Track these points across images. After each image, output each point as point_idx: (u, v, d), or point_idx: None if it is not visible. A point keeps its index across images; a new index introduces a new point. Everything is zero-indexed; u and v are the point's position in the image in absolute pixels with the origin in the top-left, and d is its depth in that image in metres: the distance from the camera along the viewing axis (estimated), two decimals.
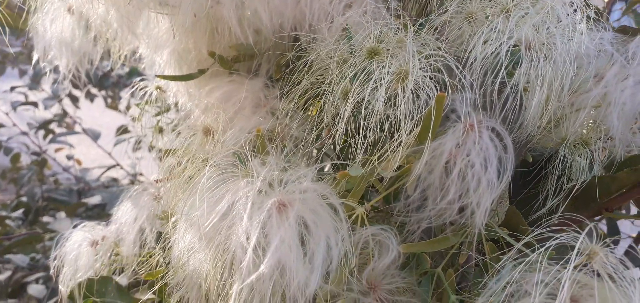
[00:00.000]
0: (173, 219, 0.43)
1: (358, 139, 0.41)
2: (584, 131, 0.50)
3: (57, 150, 2.11)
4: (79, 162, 2.04)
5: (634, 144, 0.48)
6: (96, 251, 0.63)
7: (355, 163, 0.42)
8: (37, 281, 1.62)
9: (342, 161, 0.42)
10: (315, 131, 0.47)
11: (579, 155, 0.48)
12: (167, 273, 0.56)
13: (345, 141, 0.42)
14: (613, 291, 0.34)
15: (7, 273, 1.68)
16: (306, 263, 0.36)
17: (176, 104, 0.71)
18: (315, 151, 0.48)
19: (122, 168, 1.67)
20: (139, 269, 0.61)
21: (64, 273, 0.61)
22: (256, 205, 0.35)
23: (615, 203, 0.46)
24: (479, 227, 0.40)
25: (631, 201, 0.48)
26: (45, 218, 1.75)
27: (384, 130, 0.42)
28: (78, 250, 0.62)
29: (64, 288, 0.61)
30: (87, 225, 0.64)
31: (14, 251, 1.64)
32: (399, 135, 0.41)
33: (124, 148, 1.97)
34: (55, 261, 0.62)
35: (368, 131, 0.41)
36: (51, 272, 0.61)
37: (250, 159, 0.38)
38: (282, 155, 0.43)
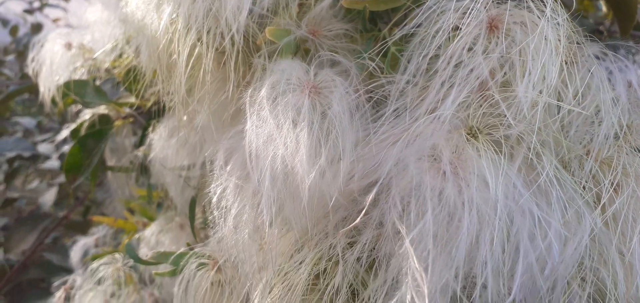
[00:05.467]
0: None
1: None
2: None
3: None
4: None
5: None
6: (73, 55, 0.65)
7: None
8: (44, 141, 1.69)
9: None
10: None
11: None
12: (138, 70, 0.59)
13: None
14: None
15: (18, 136, 1.74)
16: None
17: None
18: None
19: None
20: (113, 69, 0.64)
21: (43, 74, 0.64)
22: None
23: None
24: None
25: None
26: None
27: None
28: (53, 53, 0.64)
29: (43, 89, 0.64)
30: (62, 32, 0.66)
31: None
32: None
33: None
34: (33, 63, 0.65)
35: None
36: (30, 73, 0.64)
37: None
38: None
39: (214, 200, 0.36)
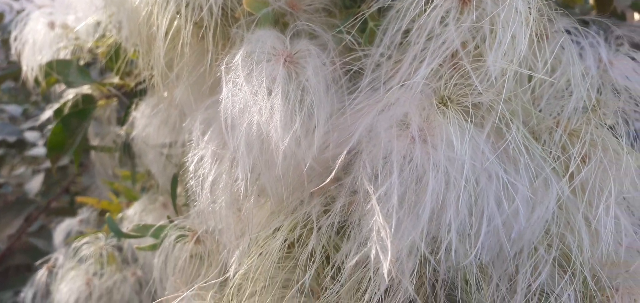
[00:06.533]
0: None
1: None
2: None
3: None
4: None
5: None
6: (56, 35, 0.65)
7: None
8: (30, 129, 1.68)
9: None
10: None
11: None
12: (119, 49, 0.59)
13: None
14: None
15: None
16: None
17: None
18: None
19: None
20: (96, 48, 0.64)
21: (26, 53, 0.64)
22: None
23: None
24: None
25: None
26: None
27: None
28: (36, 33, 0.64)
29: (26, 68, 0.64)
30: (45, 11, 0.65)
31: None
32: None
33: None
34: (16, 42, 0.64)
35: None
36: (12, 52, 0.64)
37: None
38: None
39: (191, 168, 0.36)
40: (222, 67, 0.35)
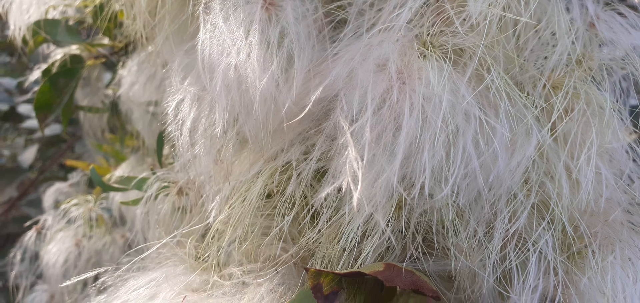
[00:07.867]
0: None
1: None
2: None
3: None
4: None
5: None
6: None
7: None
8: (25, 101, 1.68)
9: None
10: None
11: None
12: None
13: None
14: None
15: None
16: None
17: None
18: None
19: None
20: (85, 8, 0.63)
21: (13, 12, 0.63)
22: None
23: None
24: None
25: None
26: None
27: None
28: None
29: (13, 28, 0.63)
30: None
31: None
32: None
33: None
34: (3, 1, 0.64)
35: None
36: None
37: None
38: None
39: (170, 112, 0.36)
40: (201, 8, 0.34)
